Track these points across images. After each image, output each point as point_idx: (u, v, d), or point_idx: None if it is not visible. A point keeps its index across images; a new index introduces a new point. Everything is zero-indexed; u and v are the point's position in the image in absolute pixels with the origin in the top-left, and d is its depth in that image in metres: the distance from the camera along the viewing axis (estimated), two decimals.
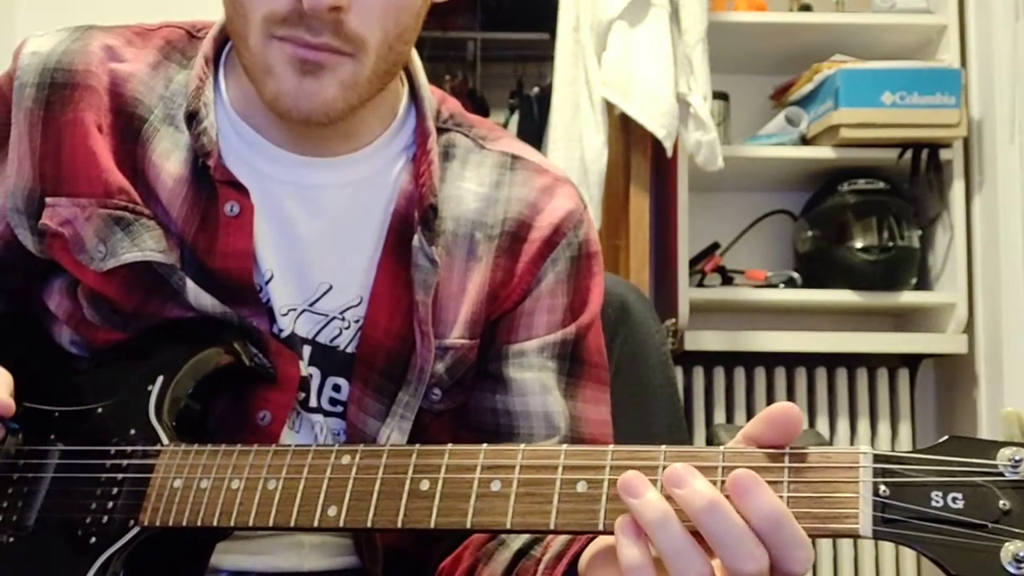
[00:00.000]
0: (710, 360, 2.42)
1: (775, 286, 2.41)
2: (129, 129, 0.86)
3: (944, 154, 2.34)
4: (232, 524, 0.71)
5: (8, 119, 0.87)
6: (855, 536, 0.56)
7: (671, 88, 2.12)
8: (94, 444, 0.79)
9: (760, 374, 2.45)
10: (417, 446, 0.68)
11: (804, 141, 2.42)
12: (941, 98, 2.27)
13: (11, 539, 0.77)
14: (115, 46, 0.88)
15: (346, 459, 0.69)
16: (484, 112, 3.58)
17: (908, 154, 2.34)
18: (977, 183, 2.33)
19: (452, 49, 3.56)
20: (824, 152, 2.36)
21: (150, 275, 0.83)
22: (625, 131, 2.28)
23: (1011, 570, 0.52)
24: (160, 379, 0.80)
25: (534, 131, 2.80)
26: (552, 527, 0.62)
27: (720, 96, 2.41)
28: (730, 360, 2.42)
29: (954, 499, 0.55)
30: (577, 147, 2.21)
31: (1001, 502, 0.54)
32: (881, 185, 2.36)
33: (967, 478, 0.55)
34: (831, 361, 2.43)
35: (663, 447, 0.61)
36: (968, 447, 0.56)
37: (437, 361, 0.85)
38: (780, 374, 2.44)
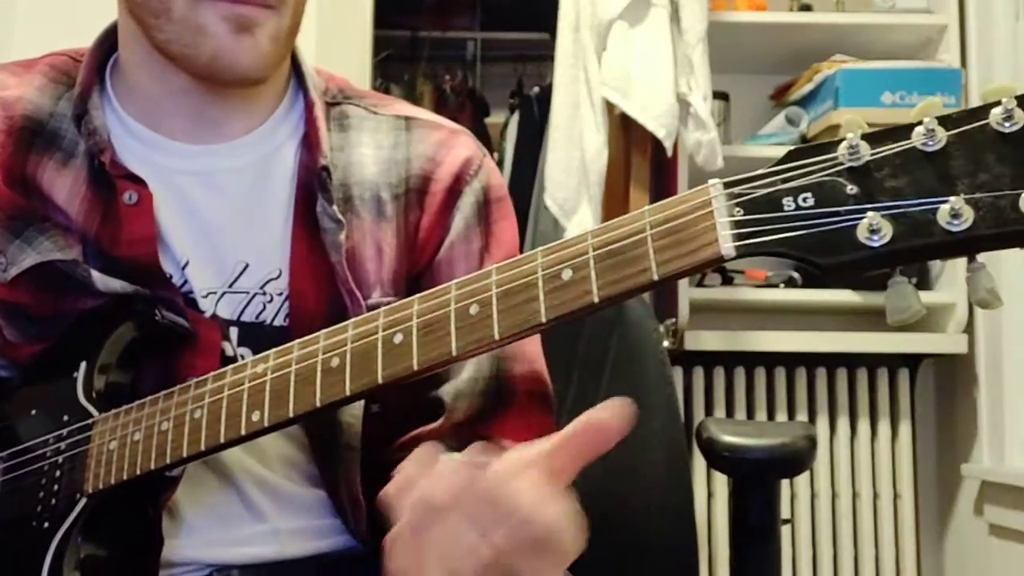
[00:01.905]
0: (710, 360, 2.42)
1: (775, 286, 2.41)
2: (20, 145, 0.89)
3: None
4: (168, 461, 0.73)
5: None
6: (720, 259, 0.58)
7: (671, 88, 2.12)
8: (33, 440, 0.81)
9: (760, 374, 2.45)
10: (322, 331, 0.71)
11: (804, 141, 2.42)
12: (941, 98, 2.26)
13: None
14: (2, 79, 0.92)
15: (261, 367, 0.72)
16: (484, 112, 3.58)
17: None
18: None
19: (452, 49, 3.56)
20: None
21: (55, 275, 0.85)
22: (625, 131, 2.28)
23: (869, 243, 0.55)
24: (83, 365, 0.82)
25: (534, 131, 2.80)
26: (454, 354, 0.65)
27: (720, 96, 2.41)
28: (730, 360, 2.43)
29: (804, 199, 0.57)
30: (577, 147, 2.21)
31: (848, 187, 0.57)
32: None
33: (812, 178, 0.58)
34: (831, 361, 2.43)
35: (537, 250, 0.64)
36: (810, 151, 0.59)
37: None
38: (780, 374, 2.44)
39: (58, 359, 0.84)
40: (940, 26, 2.38)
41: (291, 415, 0.69)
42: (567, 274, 0.62)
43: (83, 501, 0.76)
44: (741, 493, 1.06)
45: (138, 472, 0.74)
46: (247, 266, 0.87)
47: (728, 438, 1.05)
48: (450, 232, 0.91)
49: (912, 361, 2.48)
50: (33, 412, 0.84)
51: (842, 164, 0.58)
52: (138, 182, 0.86)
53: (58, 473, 0.78)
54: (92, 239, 0.86)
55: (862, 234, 0.55)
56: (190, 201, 0.88)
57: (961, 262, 2.26)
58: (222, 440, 0.72)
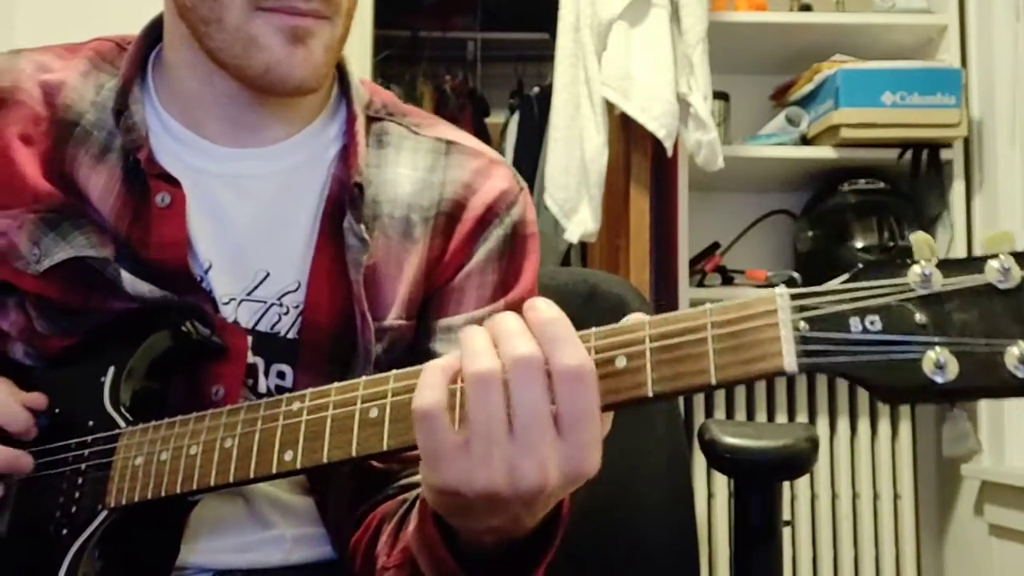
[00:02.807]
0: None
1: (775, 286, 2.40)
2: (62, 134, 0.88)
3: (944, 154, 2.34)
4: (195, 487, 0.72)
5: None
6: (782, 373, 0.57)
7: (671, 88, 2.12)
8: (57, 442, 0.80)
9: None
10: (363, 378, 0.69)
11: (804, 141, 2.42)
12: (941, 98, 2.27)
13: None
14: (44, 61, 0.91)
15: (296, 405, 0.70)
16: (484, 112, 3.58)
17: (908, 154, 2.34)
18: (977, 183, 2.33)
19: (452, 49, 3.56)
20: (824, 152, 2.36)
21: (86, 271, 0.84)
22: (625, 131, 2.28)
23: (934, 378, 0.54)
24: (111, 370, 0.81)
25: (534, 131, 2.80)
26: None
27: (720, 96, 2.41)
28: None
29: (871, 322, 0.56)
30: (577, 147, 2.21)
31: (916, 316, 0.55)
32: (881, 185, 2.36)
33: (881, 300, 0.56)
34: None
35: (592, 330, 0.62)
36: (879, 270, 0.57)
37: (376, 342, 0.86)
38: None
39: (86, 358, 0.84)
40: (940, 26, 2.38)
41: (325, 461, 0.68)
42: (621, 362, 0.61)
43: (104, 514, 0.75)
44: (743, 495, 1.06)
45: (163, 494, 0.73)
46: (268, 275, 0.86)
47: (730, 440, 1.05)
48: (471, 261, 0.90)
49: None
50: (57, 411, 0.83)
51: (913, 291, 0.56)
52: (172, 183, 0.85)
53: (80, 481, 0.77)
54: (123, 239, 0.85)
55: (927, 367, 0.54)
56: (218, 203, 0.87)
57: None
58: (252, 476, 0.71)
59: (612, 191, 2.28)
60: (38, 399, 0.82)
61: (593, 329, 0.62)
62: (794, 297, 0.58)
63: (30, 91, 0.88)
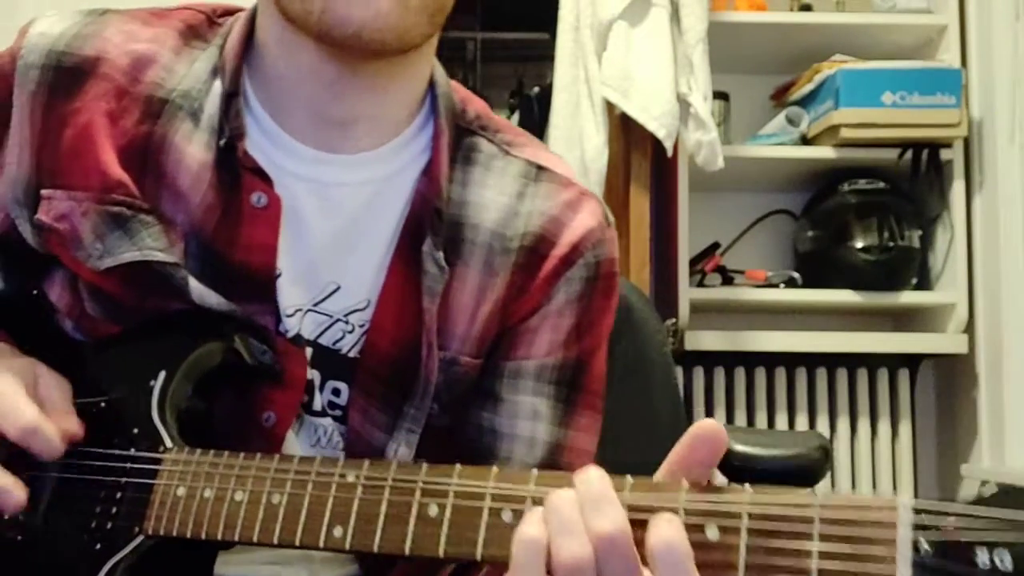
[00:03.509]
0: (710, 360, 2.42)
1: (775, 286, 2.41)
2: (147, 112, 0.82)
3: (944, 154, 2.34)
4: (236, 539, 0.69)
5: (10, 101, 0.83)
6: None
7: (671, 88, 2.12)
8: (98, 441, 0.78)
9: (760, 374, 2.45)
10: (424, 465, 0.65)
11: (804, 141, 2.42)
12: (941, 98, 2.27)
13: (19, 537, 0.77)
14: (133, 30, 0.84)
15: (351, 476, 0.67)
16: None
17: (908, 154, 2.34)
18: (977, 183, 2.33)
19: (452, 49, 3.55)
20: (824, 152, 2.36)
21: (150, 273, 0.80)
22: (625, 131, 2.28)
23: None
24: (162, 375, 0.78)
25: (534, 131, 2.77)
26: None
27: (720, 96, 2.41)
28: (730, 360, 2.43)
29: (1001, 559, 0.50)
30: (577, 147, 2.20)
31: None
32: (881, 185, 2.36)
33: (1016, 535, 0.50)
34: (831, 361, 2.43)
35: (683, 483, 0.57)
36: (1017, 498, 0.51)
37: (440, 374, 0.83)
38: (780, 374, 2.44)
39: (137, 347, 0.81)
40: (940, 26, 2.38)
41: (375, 549, 0.64)
42: (712, 534, 0.55)
43: (140, 538, 0.72)
44: None
45: (203, 536, 0.70)
46: (338, 288, 0.82)
47: (741, 447, 1.04)
48: (550, 302, 0.85)
49: (912, 361, 2.48)
50: (103, 405, 0.79)
51: None
52: (266, 180, 0.80)
53: (119, 495, 0.74)
54: (207, 234, 0.80)
55: None
56: (299, 209, 0.82)
57: (961, 262, 2.24)
58: (297, 543, 0.67)
59: (612, 191, 2.28)
60: (76, 430, 0.77)
61: (685, 483, 0.57)
62: (917, 511, 0.51)
63: (115, 62, 0.82)
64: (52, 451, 0.75)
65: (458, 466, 0.64)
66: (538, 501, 0.60)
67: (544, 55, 2.82)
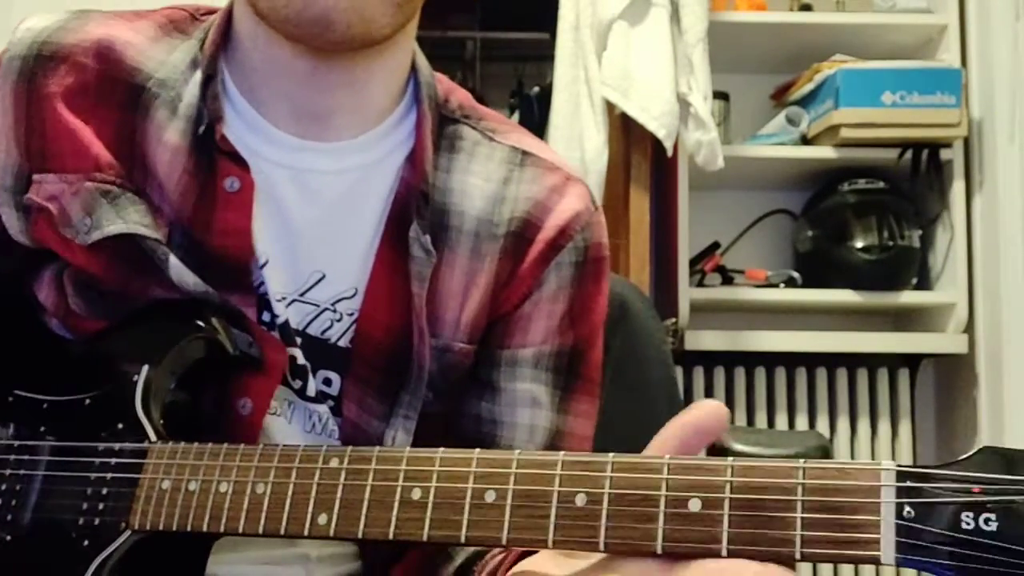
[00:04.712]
0: (710, 360, 2.42)
1: (775, 286, 2.41)
2: (126, 98, 0.83)
3: (944, 154, 2.34)
4: (222, 530, 0.69)
5: None
6: (876, 563, 0.51)
7: (671, 88, 2.12)
8: (83, 437, 0.78)
9: (760, 374, 2.45)
10: (407, 450, 0.65)
11: (804, 141, 2.42)
12: (941, 98, 2.27)
13: (8, 537, 0.77)
14: (112, 22, 0.86)
15: (334, 463, 0.67)
16: None
17: (908, 154, 2.34)
18: (977, 183, 2.33)
19: (452, 49, 3.55)
20: (824, 152, 2.36)
21: (134, 249, 0.80)
22: (625, 131, 2.28)
23: None
24: (145, 368, 0.78)
25: (534, 131, 2.77)
26: (550, 544, 0.58)
27: (720, 96, 2.41)
28: (730, 360, 2.43)
29: (987, 520, 0.49)
30: (577, 147, 2.20)
31: None
32: (881, 185, 2.36)
33: (1002, 496, 0.49)
34: (831, 361, 2.43)
35: (666, 458, 0.57)
36: (1003, 461, 0.50)
37: (433, 361, 0.83)
38: (780, 374, 2.44)
39: (120, 341, 0.81)
40: (940, 26, 2.38)
41: (360, 535, 0.64)
42: (695, 505, 0.55)
43: (127, 533, 0.72)
44: None
45: (189, 528, 0.70)
46: (323, 277, 0.82)
47: (741, 447, 1.04)
48: (541, 287, 0.85)
49: (912, 361, 2.48)
50: (87, 402, 0.80)
51: None
52: (241, 165, 0.80)
53: (104, 491, 0.74)
54: (186, 218, 0.81)
55: None
56: (280, 197, 0.82)
57: (961, 262, 2.25)
58: (282, 531, 0.67)
59: (612, 191, 2.28)
60: None
61: (668, 457, 0.57)
62: (901, 476, 0.51)
63: (91, 50, 0.84)
64: None
65: (441, 450, 0.64)
66: (520, 480, 0.60)
67: (544, 55, 2.82)
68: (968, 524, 0.49)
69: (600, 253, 0.88)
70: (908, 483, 0.51)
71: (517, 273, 0.85)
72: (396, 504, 0.63)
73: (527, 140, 0.91)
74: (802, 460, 0.54)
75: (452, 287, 0.84)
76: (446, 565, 0.81)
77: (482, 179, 0.86)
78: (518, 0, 3.32)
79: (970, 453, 0.51)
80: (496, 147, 0.88)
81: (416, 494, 0.63)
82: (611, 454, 0.59)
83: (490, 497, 0.61)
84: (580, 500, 0.58)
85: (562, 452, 0.61)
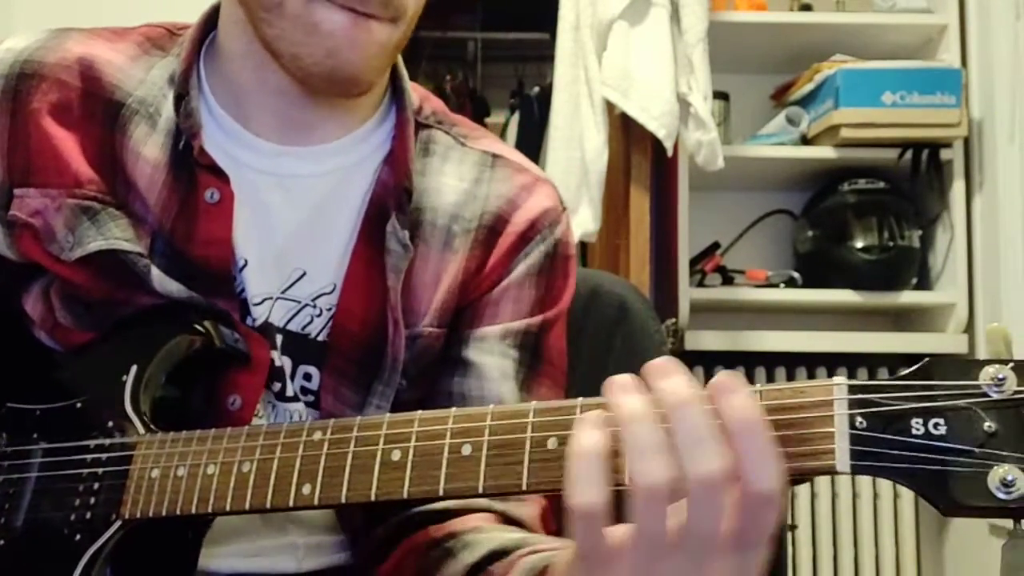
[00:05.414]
0: (710, 360, 2.42)
1: (775, 286, 2.41)
2: (107, 115, 0.86)
3: (944, 154, 2.34)
4: (210, 510, 0.70)
5: None
6: (832, 473, 0.53)
7: (671, 88, 2.12)
8: (75, 440, 0.79)
9: (760, 374, 2.45)
10: (387, 416, 0.67)
11: (804, 141, 2.42)
12: (941, 98, 2.27)
13: (2, 542, 0.78)
14: (92, 41, 0.89)
15: (317, 435, 0.68)
16: (484, 112, 3.58)
17: (908, 154, 2.34)
18: (977, 183, 2.33)
19: (452, 49, 3.55)
20: (824, 152, 2.36)
21: (116, 264, 0.82)
22: (625, 131, 2.28)
23: (999, 495, 0.50)
24: (134, 368, 0.80)
25: (534, 131, 2.79)
26: (524, 487, 0.60)
27: (720, 96, 2.41)
28: (730, 360, 2.42)
29: (936, 425, 0.52)
30: (577, 147, 2.21)
31: (986, 424, 0.51)
32: (881, 185, 2.36)
33: (949, 401, 0.52)
34: (831, 361, 2.43)
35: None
36: (949, 368, 0.53)
37: (406, 350, 0.85)
38: (780, 374, 2.44)
39: (108, 351, 0.83)
40: (940, 26, 2.38)
41: (343, 500, 0.66)
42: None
43: (118, 523, 0.74)
44: None
45: (178, 512, 0.71)
46: (304, 274, 0.85)
47: None
48: (509, 275, 0.89)
49: (912, 361, 2.47)
50: (79, 405, 0.81)
51: (985, 396, 0.51)
52: (220, 176, 0.83)
53: (96, 486, 0.75)
54: (167, 231, 0.83)
55: (992, 483, 0.50)
56: (264, 203, 0.85)
57: (961, 262, 2.25)
58: (268, 505, 0.68)
59: (612, 191, 2.28)
60: None
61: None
62: (853, 389, 0.54)
63: (72, 68, 0.86)
64: None
65: (419, 412, 0.66)
66: (495, 431, 0.62)
67: (544, 55, 2.82)
68: (918, 429, 0.52)
69: (568, 251, 0.92)
70: (859, 395, 0.53)
71: (488, 262, 0.88)
72: (377, 466, 0.65)
73: (498, 145, 0.95)
74: (759, 384, 0.57)
75: (425, 279, 0.87)
76: (448, 562, 0.81)
77: (455, 179, 0.90)
78: (519, 0, 3.32)
79: (916, 366, 0.54)
80: (468, 151, 0.93)
81: (396, 455, 0.65)
82: (580, 399, 0.61)
83: (467, 450, 0.63)
84: (552, 443, 0.60)
85: (534, 402, 0.63)
